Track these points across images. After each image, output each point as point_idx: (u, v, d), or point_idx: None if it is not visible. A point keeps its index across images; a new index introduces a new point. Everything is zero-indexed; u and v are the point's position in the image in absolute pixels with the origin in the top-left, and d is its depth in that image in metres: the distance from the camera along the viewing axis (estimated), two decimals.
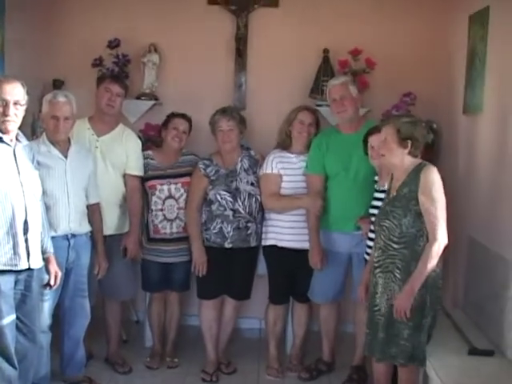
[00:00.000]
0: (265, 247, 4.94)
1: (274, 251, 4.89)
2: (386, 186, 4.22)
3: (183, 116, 5.02)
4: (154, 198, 4.95)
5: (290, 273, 4.91)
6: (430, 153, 4.99)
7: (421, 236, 3.73)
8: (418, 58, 5.57)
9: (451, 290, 4.92)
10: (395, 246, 3.79)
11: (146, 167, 4.95)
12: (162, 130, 5.05)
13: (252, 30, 5.66)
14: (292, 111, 4.90)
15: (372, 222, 4.31)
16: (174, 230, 4.94)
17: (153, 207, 4.96)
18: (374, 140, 4.28)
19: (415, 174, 3.76)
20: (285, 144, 4.90)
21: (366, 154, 4.39)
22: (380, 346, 3.85)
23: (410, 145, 3.78)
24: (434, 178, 3.72)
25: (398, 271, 3.78)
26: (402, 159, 3.81)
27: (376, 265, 3.91)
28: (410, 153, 3.80)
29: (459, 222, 4.61)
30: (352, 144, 4.53)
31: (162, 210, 4.94)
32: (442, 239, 3.67)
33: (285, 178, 4.83)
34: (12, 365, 3.81)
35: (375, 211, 4.28)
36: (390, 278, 3.81)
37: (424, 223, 3.71)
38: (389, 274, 3.82)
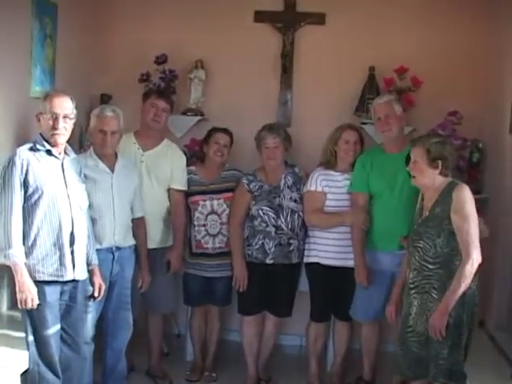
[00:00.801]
0: (307, 264, 4.93)
1: (316, 269, 4.87)
2: None
3: (224, 130, 5.05)
4: (197, 214, 4.98)
5: (332, 290, 4.89)
6: (476, 172, 4.97)
7: (455, 255, 3.72)
8: (464, 77, 5.53)
9: (495, 311, 4.84)
10: (430, 266, 3.78)
11: (188, 183, 4.98)
12: (204, 146, 5.07)
13: (298, 47, 5.69)
14: (336, 130, 4.89)
15: None
16: (217, 244, 4.96)
17: (195, 222, 4.98)
18: None
19: (447, 193, 3.75)
20: (330, 163, 4.89)
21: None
22: (422, 363, 3.82)
23: (440, 165, 3.77)
24: (465, 196, 3.71)
25: (434, 291, 3.77)
26: (433, 179, 3.81)
27: (411, 286, 3.89)
28: (440, 173, 3.79)
29: (505, 240, 4.56)
30: (397, 163, 4.48)
31: (204, 225, 4.97)
32: (476, 257, 3.65)
33: (329, 196, 4.82)
34: (56, 374, 3.87)
35: None
36: (428, 299, 3.80)
37: (458, 242, 3.69)
38: (426, 295, 3.81)
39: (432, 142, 3.82)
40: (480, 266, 3.68)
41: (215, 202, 4.96)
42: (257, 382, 5.04)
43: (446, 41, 5.55)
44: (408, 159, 4.33)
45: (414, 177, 3.86)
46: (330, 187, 4.83)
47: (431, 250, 3.76)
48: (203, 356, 5.25)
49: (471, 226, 3.66)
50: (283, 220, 4.83)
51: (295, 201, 4.88)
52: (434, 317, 3.70)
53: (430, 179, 3.81)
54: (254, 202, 4.87)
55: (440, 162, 3.77)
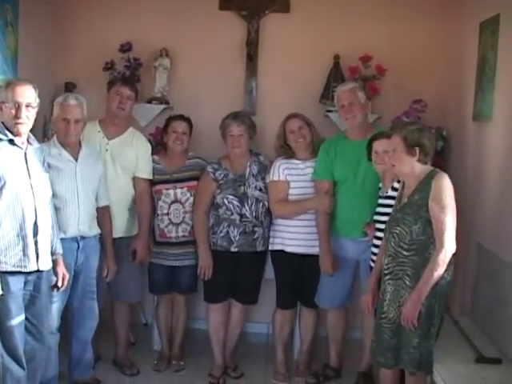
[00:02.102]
0: (272, 252, 4.95)
1: (281, 256, 4.89)
2: (389, 192, 4.24)
3: (181, 117, 5.03)
4: (160, 203, 4.96)
5: (297, 278, 4.92)
6: (440, 160, 5.00)
7: (431, 243, 3.72)
8: (428, 65, 5.57)
9: (459, 298, 4.90)
10: (405, 252, 3.79)
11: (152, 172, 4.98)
12: (164, 135, 5.06)
13: (263, 35, 5.67)
14: (280, 126, 4.91)
15: (376, 229, 4.32)
16: (180, 233, 4.95)
17: (159, 212, 4.97)
18: (378, 145, 4.30)
19: (427, 181, 3.75)
20: (287, 155, 4.90)
21: (370, 159, 4.40)
22: (393, 351, 3.85)
23: (418, 152, 3.78)
24: (445, 185, 3.72)
25: (408, 278, 3.78)
26: (411, 167, 3.81)
27: (386, 272, 3.90)
28: (419, 160, 3.79)
29: (467, 228, 4.61)
30: (360, 150, 4.52)
31: (167, 214, 4.95)
32: (449, 246, 3.65)
33: (292, 185, 4.84)
34: (20, 365, 3.86)
35: (379, 217, 4.30)
36: (401, 285, 3.81)
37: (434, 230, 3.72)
38: (399, 281, 3.82)
39: (409, 129, 3.82)
40: (454, 255, 3.70)
41: (178, 191, 4.94)
42: (224, 370, 5.04)
43: (410, 29, 5.58)
44: (369, 147, 4.38)
45: (393, 165, 3.86)
46: (293, 175, 4.84)
47: (407, 237, 3.77)
48: (170, 345, 5.24)
49: (448, 216, 3.66)
50: (247, 208, 4.84)
51: (260, 190, 4.89)
52: (406, 306, 3.72)
53: (409, 167, 3.81)
54: (218, 191, 4.86)
55: (417, 150, 3.78)
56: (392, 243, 3.86)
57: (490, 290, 4.30)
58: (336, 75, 5.54)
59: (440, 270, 3.65)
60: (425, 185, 3.75)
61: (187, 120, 5.04)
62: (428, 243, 3.73)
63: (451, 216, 3.69)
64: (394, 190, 4.20)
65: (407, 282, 3.78)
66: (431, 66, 5.57)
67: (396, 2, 5.59)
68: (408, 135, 3.78)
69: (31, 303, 3.91)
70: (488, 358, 3.85)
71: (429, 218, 3.71)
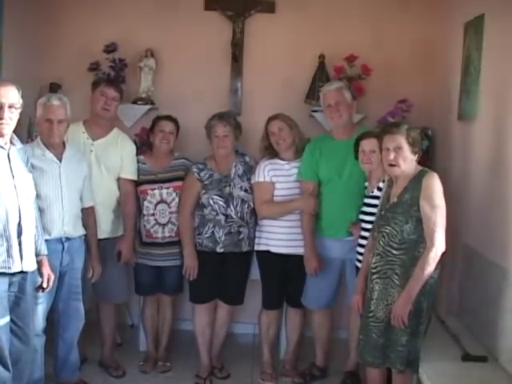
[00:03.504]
0: (257, 252, 4.95)
1: (266, 256, 4.89)
2: (375, 192, 4.24)
3: (168, 118, 5.04)
4: (146, 203, 4.95)
5: (283, 278, 4.92)
6: (425, 159, 5.01)
7: (421, 242, 3.75)
8: (413, 65, 5.59)
9: (445, 297, 4.91)
10: (395, 251, 3.81)
11: (137, 172, 4.96)
12: (150, 135, 5.06)
13: (248, 35, 5.67)
14: (264, 128, 4.90)
15: (362, 228, 4.32)
16: (166, 234, 4.94)
17: (144, 212, 4.96)
18: (365, 145, 4.31)
19: (417, 180, 3.78)
20: (272, 156, 4.90)
21: (357, 158, 4.40)
22: (380, 350, 3.87)
23: (418, 151, 3.82)
24: (436, 185, 3.76)
25: (396, 277, 3.80)
26: (412, 166, 3.84)
27: (373, 270, 3.92)
28: (417, 159, 3.84)
29: (454, 228, 4.61)
30: (345, 150, 4.54)
31: (153, 214, 4.94)
32: (439, 245, 3.70)
33: (277, 186, 4.84)
34: (6, 367, 3.82)
35: (365, 217, 4.32)
36: (389, 284, 3.83)
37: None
38: (387, 280, 3.84)
39: (408, 128, 3.84)
40: (442, 255, 3.73)
41: (164, 191, 4.93)
42: (210, 370, 5.03)
43: (396, 29, 5.60)
44: (357, 145, 4.38)
45: (393, 165, 3.84)
46: (278, 176, 4.84)
47: (398, 236, 3.79)
48: (156, 346, 5.24)
49: (438, 215, 3.70)
50: (233, 209, 4.83)
51: (245, 190, 4.88)
52: (397, 304, 3.74)
53: (411, 166, 3.84)
54: (204, 191, 4.85)
55: (417, 149, 3.82)
56: (381, 242, 3.88)
57: (477, 290, 4.30)
58: (321, 75, 5.54)
59: (430, 268, 3.70)
60: (415, 184, 3.78)
61: (174, 121, 5.04)
62: (418, 242, 3.76)
63: (441, 215, 3.73)
64: (380, 189, 4.21)
65: (395, 281, 3.80)
66: (416, 65, 5.58)
67: (381, 2, 5.61)
68: (410, 134, 3.80)
69: (16, 305, 3.87)
70: (474, 356, 3.85)
71: (420, 218, 3.74)
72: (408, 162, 3.82)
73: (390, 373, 4.02)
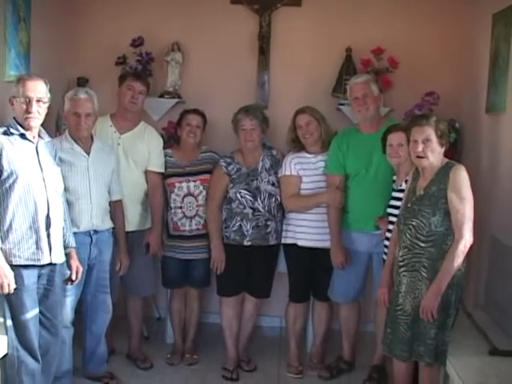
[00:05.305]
0: (284, 245, 4.95)
1: (293, 250, 4.89)
2: (403, 185, 4.21)
3: (195, 111, 5.05)
4: (173, 196, 4.97)
5: (310, 271, 4.92)
6: (453, 152, 4.98)
7: (449, 235, 3.74)
8: (441, 57, 5.54)
9: (473, 290, 4.89)
10: (422, 244, 3.80)
11: (165, 165, 4.98)
12: (178, 129, 5.08)
13: (275, 28, 5.65)
14: (291, 120, 4.89)
15: (390, 222, 4.31)
16: (194, 227, 4.96)
17: (172, 205, 4.98)
18: (393, 138, 4.28)
19: (444, 172, 3.77)
20: (299, 149, 4.89)
21: (384, 152, 4.38)
22: (407, 344, 3.87)
23: (446, 143, 3.80)
24: (464, 177, 3.74)
25: (424, 270, 3.79)
26: (440, 158, 3.83)
27: (401, 263, 3.91)
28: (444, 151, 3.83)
29: (482, 221, 4.57)
30: (372, 143, 4.52)
31: (181, 207, 4.96)
32: (468, 238, 3.69)
33: (304, 179, 4.83)
34: (35, 359, 3.89)
35: (393, 210, 4.29)
36: (417, 277, 3.82)
37: (452, 222, 3.72)
38: (415, 273, 3.83)
39: (436, 120, 3.83)
40: (469, 248, 3.72)
41: (191, 184, 4.95)
42: (237, 363, 5.05)
43: (423, 21, 5.55)
44: (384, 139, 4.36)
45: (422, 157, 3.82)
46: (305, 170, 4.83)
47: (425, 229, 3.78)
48: (183, 338, 5.26)
49: (467, 207, 3.69)
50: (260, 202, 4.84)
51: (273, 184, 4.88)
52: (426, 298, 3.73)
53: (438, 158, 3.82)
54: (231, 185, 4.87)
55: (445, 141, 3.82)
56: (407, 235, 3.86)
57: (504, 283, 4.27)
58: (348, 68, 5.51)
59: (459, 260, 3.69)
60: (442, 176, 3.77)
61: (201, 114, 5.06)
62: (446, 235, 3.75)
63: (470, 208, 3.71)
64: None
65: (424, 274, 3.79)
66: (444, 58, 5.54)
67: None
68: (439, 126, 3.78)
69: (45, 297, 3.93)
70: (502, 351, 3.82)
71: (447, 210, 3.73)
72: (436, 155, 3.80)
73: (416, 367, 4.00)
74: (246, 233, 4.84)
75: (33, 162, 3.80)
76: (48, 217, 3.81)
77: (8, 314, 3.78)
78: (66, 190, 4.12)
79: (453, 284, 3.74)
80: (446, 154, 3.91)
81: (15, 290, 3.70)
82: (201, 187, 4.95)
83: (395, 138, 4.26)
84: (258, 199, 4.84)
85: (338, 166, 4.73)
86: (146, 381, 4.84)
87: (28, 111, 3.75)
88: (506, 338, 4.04)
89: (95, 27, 5.72)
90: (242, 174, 4.88)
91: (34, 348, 3.87)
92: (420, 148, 3.80)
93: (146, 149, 4.87)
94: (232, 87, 5.67)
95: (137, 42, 5.59)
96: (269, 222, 4.86)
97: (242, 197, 4.84)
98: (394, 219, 4.24)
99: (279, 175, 4.89)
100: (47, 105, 3.86)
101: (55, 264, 3.91)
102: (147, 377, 4.91)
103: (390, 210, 4.37)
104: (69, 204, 4.20)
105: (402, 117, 5.22)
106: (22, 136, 3.79)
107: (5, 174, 3.69)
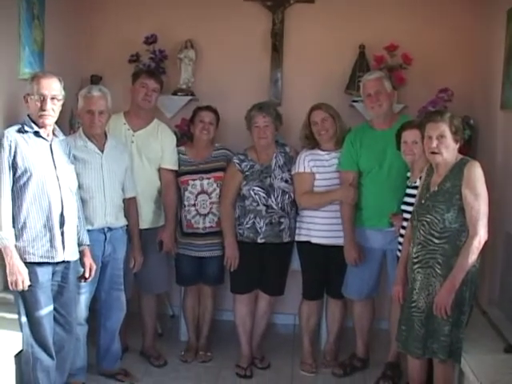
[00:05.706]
0: (298, 243, 4.94)
1: (307, 247, 4.88)
2: (417, 182, 4.19)
3: (208, 108, 5.05)
4: (187, 194, 4.97)
5: (324, 269, 4.91)
6: (467, 149, 4.96)
7: (463, 231, 3.73)
8: (455, 54, 5.52)
9: (487, 287, 4.86)
10: (436, 240, 3.79)
11: (178, 163, 4.98)
12: (191, 126, 5.08)
13: (288, 25, 5.65)
14: (306, 116, 4.88)
15: (404, 219, 4.29)
16: (207, 224, 4.96)
17: (185, 202, 4.98)
18: (407, 135, 4.26)
19: (458, 169, 3.76)
20: (312, 145, 4.88)
21: (399, 149, 4.37)
22: (421, 341, 3.86)
23: (460, 139, 3.79)
24: (478, 173, 3.73)
25: (438, 266, 3.78)
26: (454, 155, 3.82)
27: (415, 260, 3.90)
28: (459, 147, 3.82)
29: (496, 218, 4.55)
30: (386, 140, 4.51)
31: (194, 205, 4.96)
32: (483, 234, 3.68)
33: (318, 176, 4.82)
34: (50, 355, 3.91)
35: (407, 207, 4.27)
36: (431, 274, 3.81)
37: (466, 218, 3.71)
38: (429, 270, 3.82)
39: (451, 116, 3.81)
40: (484, 245, 3.71)
41: (205, 182, 4.95)
42: (251, 360, 5.05)
43: (436, 17, 5.53)
44: (399, 136, 4.35)
45: (436, 153, 3.81)
46: (318, 167, 4.82)
47: (439, 225, 3.77)
48: (197, 336, 5.26)
49: (481, 204, 3.69)
50: (274, 199, 4.83)
51: (286, 181, 4.88)
52: (440, 294, 3.72)
53: (452, 154, 3.82)
54: (245, 182, 4.86)
55: (459, 137, 3.80)
56: (421, 231, 3.85)
57: None
58: (361, 65, 5.50)
59: (474, 257, 3.68)
60: (456, 172, 3.76)
61: (214, 111, 5.05)
62: (460, 231, 3.74)
63: (484, 204, 3.70)
64: None
65: (438, 271, 3.78)
66: (457, 54, 5.52)
67: None
68: (453, 122, 3.77)
69: (59, 294, 3.96)
70: None
71: (462, 206, 3.72)
72: (450, 151, 3.79)
73: (430, 364, 3.99)
74: (259, 230, 4.84)
75: (47, 159, 3.81)
76: (62, 215, 3.83)
77: (23, 311, 3.81)
78: (79, 187, 4.14)
79: (467, 281, 3.72)
80: (460, 151, 3.90)
81: (29, 287, 3.73)
82: (214, 185, 4.95)
83: (410, 136, 4.24)
84: (272, 196, 4.83)
85: (351, 162, 4.72)
86: (160, 378, 4.84)
87: (42, 109, 3.77)
88: None
89: (109, 25, 5.74)
90: (255, 171, 4.88)
91: (49, 345, 3.89)
92: (434, 144, 3.79)
93: (159, 146, 4.87)
94: (245, 84, 5.67)
95: (150, 40, 5.60)
96: (282, 219, 4.85)
97: (255, 194, 4.84)
98: (408, 216, 4.23)
99: (293, 172, 4.88)
100: (61, 102, 3.88)
101: (69, 261, 3.93)
102: (161, 374, 4.91)
103: (404, 207, 4.35)
104: (83, 201, 4.21)
105: (415, 114, 5.21)
106: (36, 134, 3.81)
107: (19, 172, 3.71)
